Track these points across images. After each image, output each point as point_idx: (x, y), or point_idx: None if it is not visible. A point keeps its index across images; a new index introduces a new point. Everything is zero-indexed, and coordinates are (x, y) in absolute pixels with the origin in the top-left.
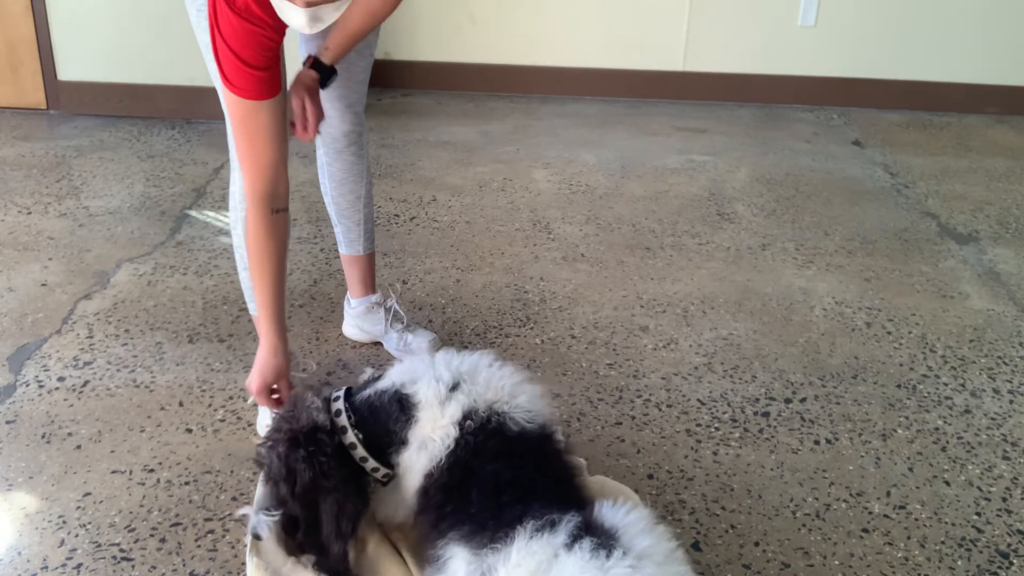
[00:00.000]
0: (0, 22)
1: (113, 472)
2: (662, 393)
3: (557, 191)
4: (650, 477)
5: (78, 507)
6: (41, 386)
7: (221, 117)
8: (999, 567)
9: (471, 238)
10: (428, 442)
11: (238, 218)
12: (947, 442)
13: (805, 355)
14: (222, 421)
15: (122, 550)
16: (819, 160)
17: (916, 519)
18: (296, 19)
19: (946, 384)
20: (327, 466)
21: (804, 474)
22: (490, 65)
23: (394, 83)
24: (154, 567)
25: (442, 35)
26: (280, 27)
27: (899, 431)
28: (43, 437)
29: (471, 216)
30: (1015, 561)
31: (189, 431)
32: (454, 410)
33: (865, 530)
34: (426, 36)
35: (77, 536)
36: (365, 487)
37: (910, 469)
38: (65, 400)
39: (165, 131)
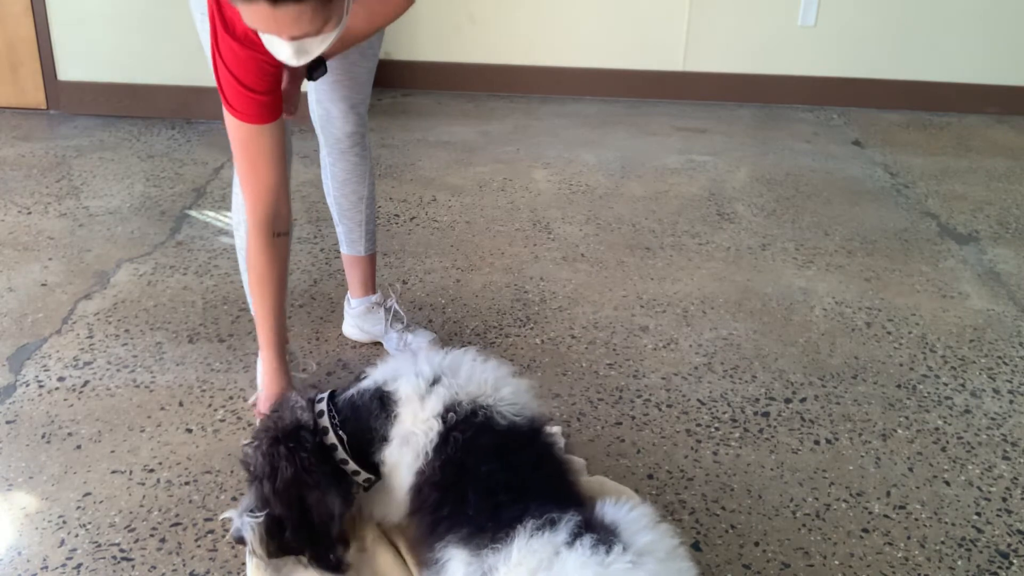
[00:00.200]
0: (0, 22)
1: (113, 472)
2: (662, 393)
3: (557, 191)
4: (650, 477)
5: (78, 507)
6: (41, 386)
7: (221, 117)
8: (999, 567)
9: (471, 238)
10: (410, 437)
11: (240, 220)
12: (947, 442)
13: (805, 355)
14: (222, 421)
15: (122, 550)
16: (819, 160)
17: (916, 519)
18: (282, 52)
19: (946, 384)
20: (308, 462)
21: (804, 474)
22: (490, 65)
23: (394, 83)
24: (154, 567)
25: (442, 35)
26: None
27: (899, 431)
28: (43, 437)
29: (471, 216)
30: (1015, 561)
31: (189, 431)
32: (435, 404)
33: (865, 530)
34: (426, 36)
35: (77, 536)
36: (348, 485)
37: (910, 469)
38: (65, 400)
39: (165, 131)
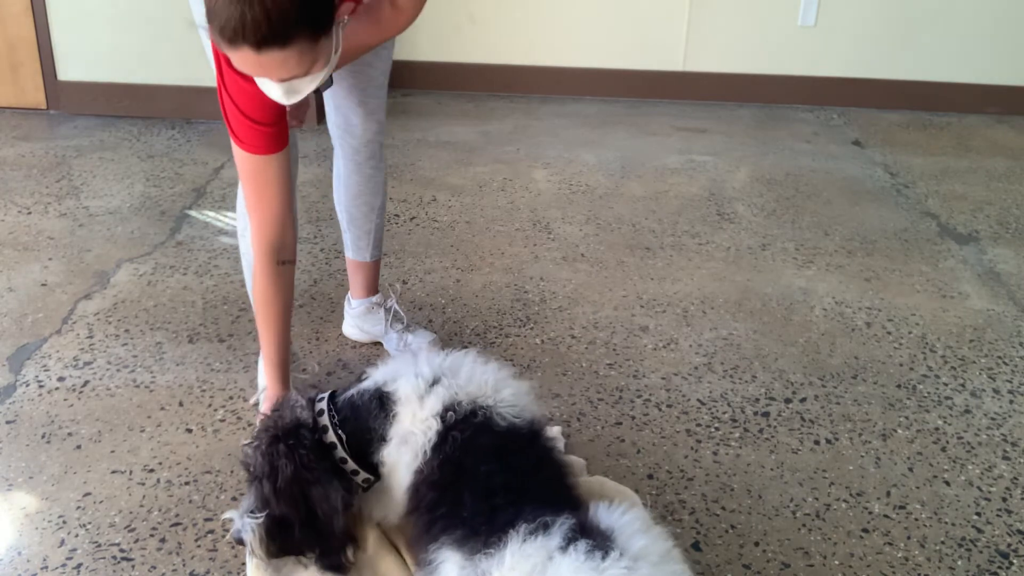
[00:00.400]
0: (0, 22)
1: (113, 472)
2: (662, 393)
3: (557, 191)
4: (650, 477)
5: (78, 507)
6: (41, 386)
7: (221, 117)
8: (999, 567)
9: (471, 238)
10: (409, 437)
11: (245, 226)
12: (947, 442)
13: (805, 355)
14: (222, 421)
15: (122, 550)
16: (819, 160)
17: (916, 519)
18: (273, 91)
19: (946, 384)
20: (307, 458)
21: (804, 474)
22: (490, 65)
23: (394, 83)
24: (154, 567)
25: (442, 35)
26: None
27: (899, 431)
28: (43, 437)
29: (471, 216)
30: (1015, 561)
31: (189, 431)
32: (434, 403)
33: (865, 530)
34: (426, 36)
35: (77, 536)
36: (349, 483)
37: (910, 469)
38: (65, 400)
39: (165, 131)
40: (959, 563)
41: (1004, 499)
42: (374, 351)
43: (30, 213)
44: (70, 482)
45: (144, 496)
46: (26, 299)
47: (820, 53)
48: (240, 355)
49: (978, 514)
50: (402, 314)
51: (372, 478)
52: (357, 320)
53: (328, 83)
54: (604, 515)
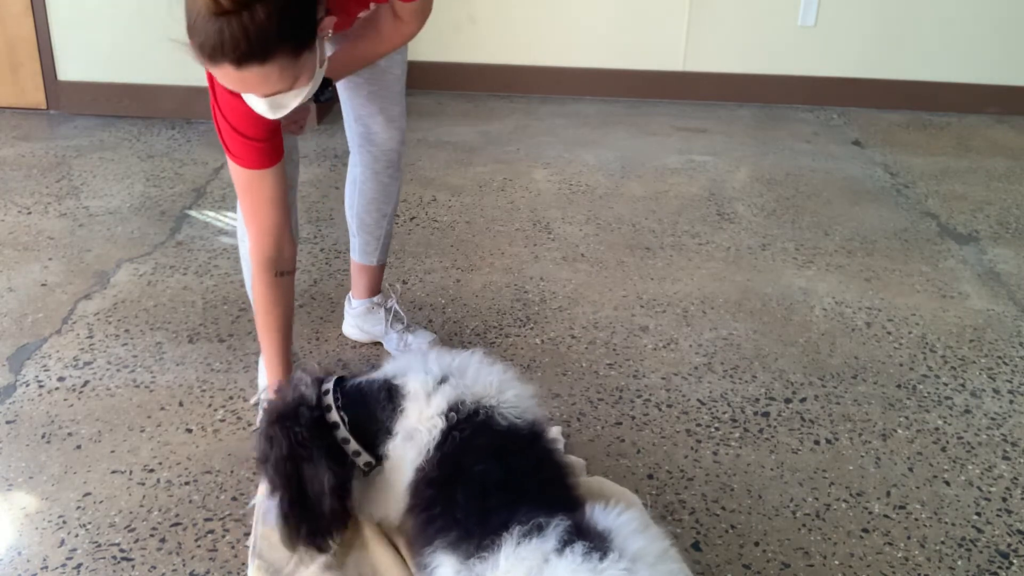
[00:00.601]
0: (0, 22)
1: (113, 472)
2: (662, 393)
3: (557, 191)
4: (650, 477)
5: (78, 507)
6: (41, 386)
7: None
8: (999, 567)
9: (471, 238)
10: (415, 433)
11: (245, 232)
12: (947, 442)
13: (805, 355)
14: (222, 421)
15: (122, 550)
16: (819, 160)
17: (916, 519)
18: (259, 106)
19: (946, 384)
20: (301, 436)
21: (804, 474)
22: (490, 65)
23: None
24: (154, 567)
25: (442, 35)
26: None
27: (899, 431)
28: (43, 437)
29: (471, 216)
30: (1015, 561)
31: (189, 431)
32: (440, 402)
33: (865, 530)
34: (426, 36)
35: (77, 536)
36: (345, 463)
37: (910, 469)
38: (65, 400)
39: (165, 131)
40: (959, 563)
41: (1004, 499)
42: (374, 351)
43: (30, 213)
44: (70, 482)
45: (144, 496)
46: (26, 299)
47: (820, 53)
48: (240, 355)
49: (978, 514)
50: (402, 314)
51: (373, 461)
52: (357, 320)
53: (330, 95)
54: (601, 516)
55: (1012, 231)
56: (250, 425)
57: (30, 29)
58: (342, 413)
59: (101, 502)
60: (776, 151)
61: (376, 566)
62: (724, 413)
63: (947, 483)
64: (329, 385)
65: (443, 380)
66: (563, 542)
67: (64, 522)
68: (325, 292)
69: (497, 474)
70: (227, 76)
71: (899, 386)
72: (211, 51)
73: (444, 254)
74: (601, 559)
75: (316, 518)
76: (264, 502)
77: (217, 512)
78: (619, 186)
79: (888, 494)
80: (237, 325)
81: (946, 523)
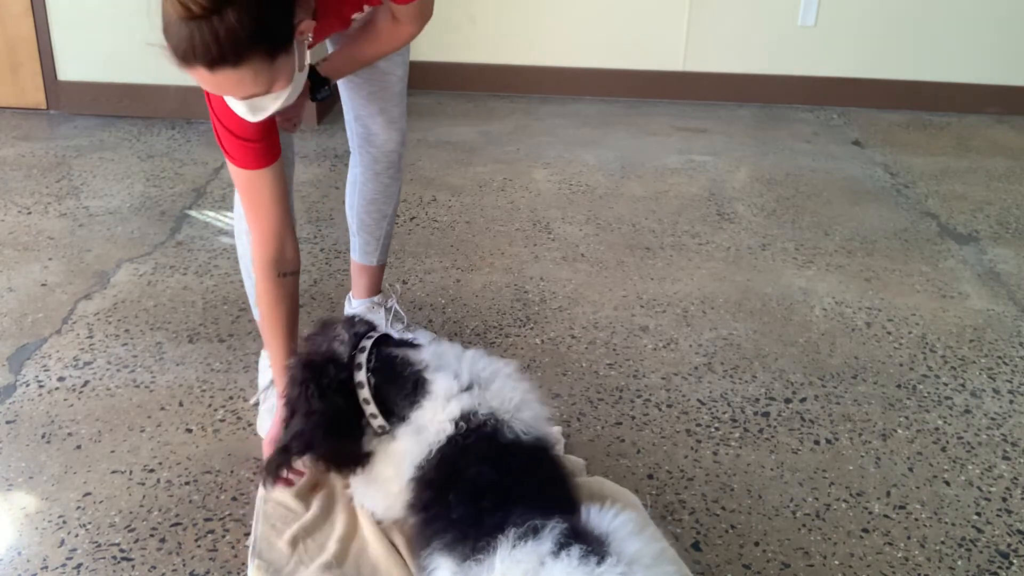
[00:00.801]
0: (0, 22)
1: (113, 472)
2: (662, 393)
3: (557, 191)
4: (650, 477)
5: (78, 507)
6: (41, 386)
7: None
8: (999, 567)
9: (471, 238)
10: (423, 429)
11: (243, 229)
12: (947, 442)
13: (805, 355)
14: (222, 421)
15: (122, 550)
16: (819, 160)
17: (916, 519)
18: (238, 108)
19: (946, 384)
20: (321, 396)
21: (804, 474)
22: (490, 65)
23: None
24: (154, 567)
25: (442, 35)
26: None
27: (899, 431)
28: (43, 437)
29: (471, 216)
30: (1015, 561)
31: (189, 431)
32: (454, 408)
33: (865, 530)
34: (426, 36)
35: (77, 536)
36: (361, 426)
37: (910, 469)
38: (65, 400)
39: (165, 131)
40: (959, 563)
41: (1004, 499)
42: None
43: (30, 213)
44: (70, 482)
45: (144, 496)
46: (26, 299)
47: (820, 53)
48: (240, 355)
49: (978, 514)
50: (402, 314)
51: (387, 426)
52: None
53: (327, 93)
54: (597, 518)
55: (1012, 231)
56: (250, 425)
57: (30, 29)
58: (370, 375)
59: (101, 502)
60: (776, 151)
61: (376, 566)
62: (724, 413)
63: (947, 483)
64: (367, 344)
65: (468, 388)
66: (559, 545)
67: (64, 522)
68: (325, 292)
69: (490, 474)
70: (202, 79)
71: (899, 386)
72: (183, 55)
73: (444, 254)
74: (599, 562)
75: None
76: (264, 493)
77: (217, 512)
78: (619, 186)
79: (888, 494)
80: (237, 325)
81: (946, 523)
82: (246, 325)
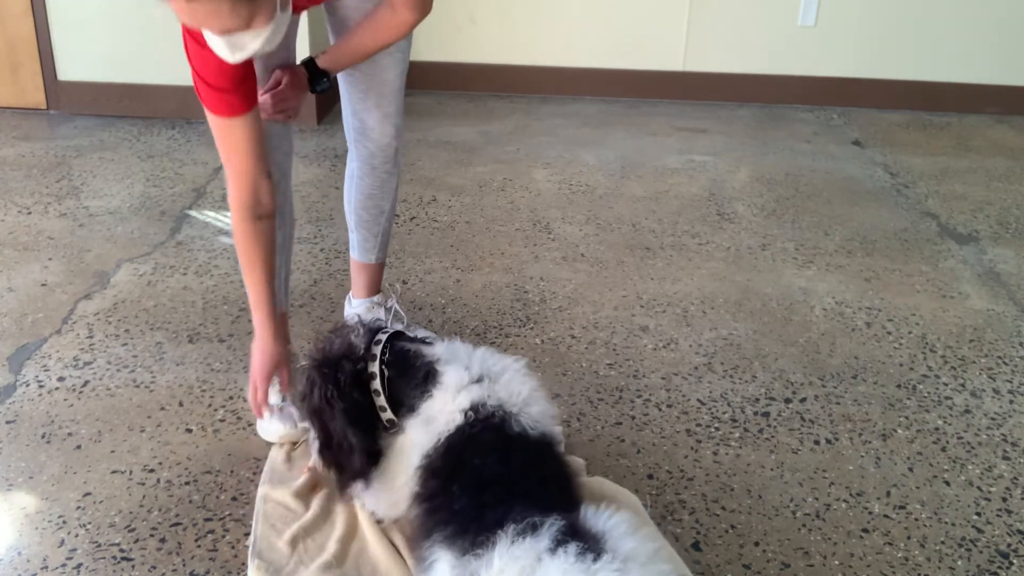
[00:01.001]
0: (0, 22)
1: (113, 472)
2: (662, 393)
3: (557, 191)
4: (650, 477)
5: (78, 507)
6: (41, 386)
7: None
8: (999, 567)
9: (471, 238)
10: (432, 420)
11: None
12: (947, 442)
13: (805, 355)
14: (222, 421)
15: (122, 550)
16: (819, 160)
17: (916, 519)
18: (217, 46)
19: (946, 384)
20: (335, 391)
21: (804, 474)
22: (490, 65)
23: None
24: (154, 567)
25: (442, 35)
26: None
27: (899, 431)
28: (43, 437)
29: (471, 216)
30: (1015, 561)
31: (189, 431)
32: (464, 399)
33: (865, 530)
34: (426, 36)
35: (77, 536)
36: (373, 421)
37: (910, 469)
38: (65, 400)
39: (165, 131)
40: (959, 563)
41: (1004, 499)
42: None
43: (30, 213)
44: (70, 482)
45: (144, 496)
46: (26, 299)
47: (820, 53)
48: (240, 355)
49: (978, 514)
50: (402, 314)
51: (395, 420)
52: None
53: (326, 85)
54: (593, 518)
55: (1012, 231)
56: (250, 425)
57: (30, 29)
58: (383, 368)
59: (101, 502)
60: (776, 151)
61: (376, 566)
62: (724, 413)
63: (947, 483)
64: (383, 338)
65: (478, 380)
66: (557, 542)
67: (64, 522)
68: (325, 292)
69: (494, 468)
70: (180, 9)
71: (899, 386)
72: None
73: (444, 254)
74: (595, 560)
75: (343, 466)
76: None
77: (217, 512)
78: (619, 186)
79: (888, 494)
80: (237, 325)
81: (946, 523)
82: (246, 325)
